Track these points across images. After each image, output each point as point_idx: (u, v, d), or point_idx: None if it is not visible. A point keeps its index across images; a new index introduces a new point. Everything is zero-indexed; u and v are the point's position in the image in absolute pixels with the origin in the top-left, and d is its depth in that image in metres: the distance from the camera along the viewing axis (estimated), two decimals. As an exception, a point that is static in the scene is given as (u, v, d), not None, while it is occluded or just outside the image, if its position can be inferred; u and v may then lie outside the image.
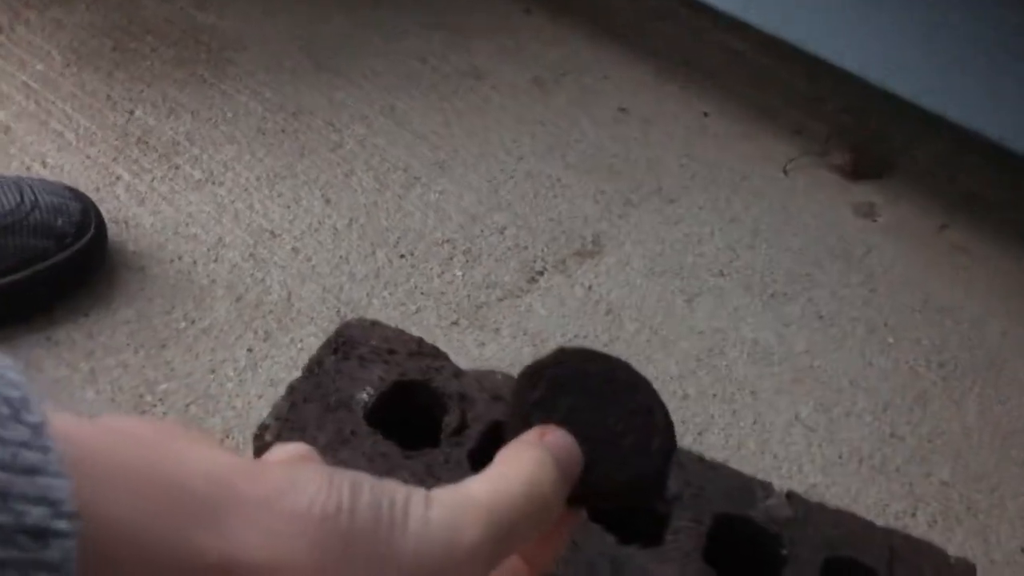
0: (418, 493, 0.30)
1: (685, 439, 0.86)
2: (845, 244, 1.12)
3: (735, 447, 0.87)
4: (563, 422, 0.36)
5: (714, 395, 0.91)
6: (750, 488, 0.66)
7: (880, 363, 0.98)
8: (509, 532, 0.31)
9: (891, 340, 1.01)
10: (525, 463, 0.33)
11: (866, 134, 1.25)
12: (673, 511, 0.64)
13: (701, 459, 0.67)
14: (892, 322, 1.03)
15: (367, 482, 0.29)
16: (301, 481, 0.28)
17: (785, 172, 1.21)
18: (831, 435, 0.90)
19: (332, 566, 0.28)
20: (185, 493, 0.27)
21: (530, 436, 0.36)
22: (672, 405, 0.90)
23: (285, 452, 0.34)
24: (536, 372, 0.38)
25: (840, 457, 0.88)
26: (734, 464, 0.68)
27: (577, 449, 0.36)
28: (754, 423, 0.89)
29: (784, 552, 0.63)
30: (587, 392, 0.38)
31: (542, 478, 0.33)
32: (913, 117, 1.19)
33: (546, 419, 0.37)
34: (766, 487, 0.67)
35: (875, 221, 1.16)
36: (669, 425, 0.38)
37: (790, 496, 0.66)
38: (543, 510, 0.33)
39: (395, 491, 0.30)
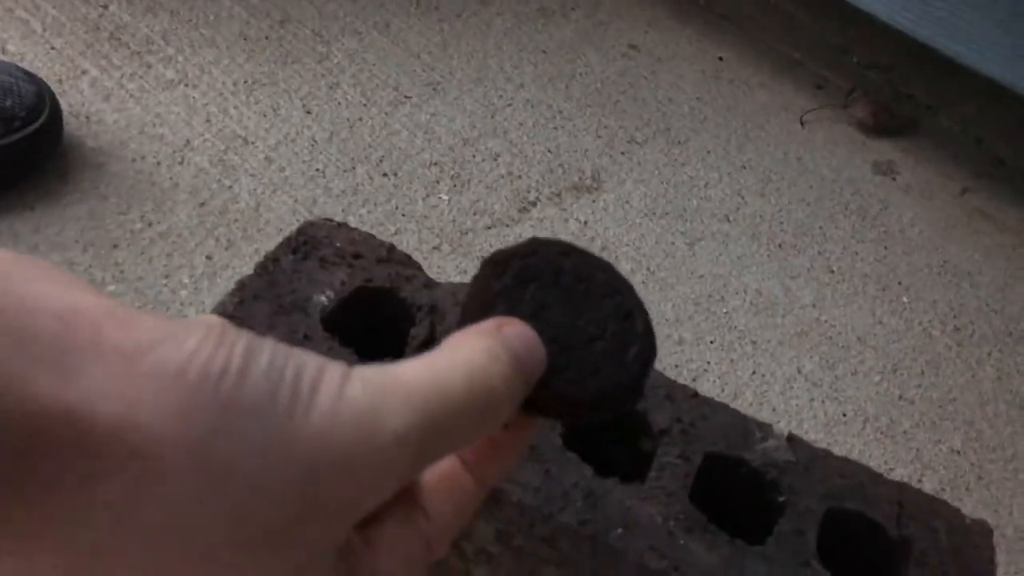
0: (334, 366, 0.24)
1: (677, 384, 0.79)
2: (861, 200, 1.05)
3: (730, 396, 0.80)
4: (529, 317, 0.31)
5: (711, 342, 0.84)
6: (746, 428, 0.59)
7: (892, 322, 0.91)
8: (443, 426, 0.25)
9: (905, 300, 0.93)
10: (473, 351, 0.27)
11: (891, 89, 1.17)
12: (659, 447, 0.57)
13: (695, 395, 0.60)
14: (907, 281, 0.96)
15: (269, 345, 0.23)
16: (182, 332, 0.22)
17: (802, 123, 1.13)
18: (835, 392, 0.83)
19: (204, 438, 0.21)
20: (26, 331, 0.20)
21: (486, 325, 0.29)
22: (666, 350, 0.83)
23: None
24: (504, 260, 0.32)
25: (844, 416, 0.81)
26: (731, 402, 0.61)
27: (540, 347, 0.30)
28: (753, 373, 0.82)
29: (781, 499, 0.56)
30: (560, 288, 0.32)
31: (491, 371, 0.27)
32: (941, 74, 1.11)
33: (509, 312, 0.31)
34: (764, 428, 0.60)
35: (894, 179, 1.09)
36: (649, 333, 0.33)
37: (791, 439, 0.59)
38: (489, 407, 0.27)
39: (305, 360, 0.24)
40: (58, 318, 0.21)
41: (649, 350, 0.33)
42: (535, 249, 0.33)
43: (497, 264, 0.32)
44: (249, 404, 0.22)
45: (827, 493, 0.56)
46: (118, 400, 0.20)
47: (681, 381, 0.78)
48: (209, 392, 0.21)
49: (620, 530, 0.52)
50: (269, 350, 0.23)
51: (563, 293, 0.32)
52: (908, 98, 1.17)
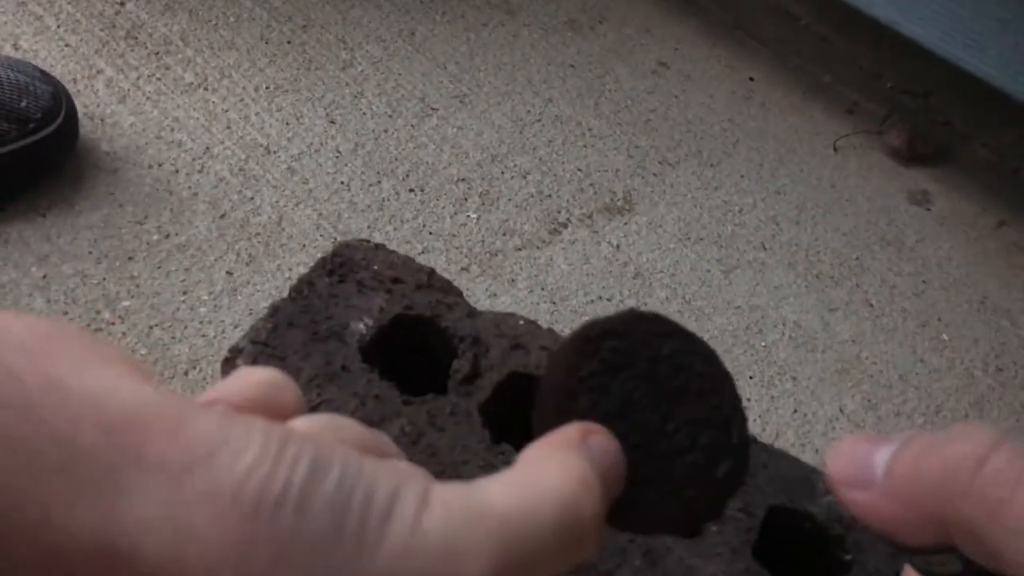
0: (411, 488, 0.20)
1: (718, 421, 0.75)
2: (897, 230, 1.01)
3: (772, 436, 0.76)
4: (612, 415, 0.27)
5: (751, 377, 0.80)
6: (810, 479, 0.56)
7: (933, 361, 0.87)
8: (530, 563, 0.22)
9: (945, 337, 0.90)
10: (565, 474, 0.23)
11: (925, 116, 1.14)
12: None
13: (754, 440, 0.57)
14: (946, 318, 0.92)
15: (338, 461, 0.20)
16: (237, 441, 0.19)
17: (835, 149, 1.10)
18: (878, 433, 0.79)
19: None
20: (68, 446, 0.18)
21: (572, 435, 0.25)
22: (703, 383, 0.79)
23: (249, 380, 0.24)
24: (595, 337, 0.28)
25: (888, 459, 0.77)
26: (789, 450, 0.57)
27: (622, 462, 0.26)
28: (794, 412, 0.79)
29: (847, 558, 0.52)
30: (654, 380, 0.28)
31: (582, 500, 0.23)
32: (978, 101, 1.08)
33: (592, 406, 0.27)
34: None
35: (928, 210, 1.06)
36: (744, 446, 0.28)
37: (857, 493, 0.55)
38: (575, 542, 0.23)
39: (376, 481, 0.20)
40: (101, 428, 0.18)
41: (742, 467, 0.28)
42: (633, 327, 0.28)
43: (588, 341, 0.28)
44: (311, 537, 0.18)
45: (894, 552, 0.53)
46: (164, 529, 0.18)
47: (722, 419, 0.75)
48: (266, 522, 0.18)
49: (680, 589, 0.49)
50: (337, 469, 0.19)
51: (657, 387, 0.28)
52: (943, 125, 1.14)
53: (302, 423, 0.23)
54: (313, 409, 0.51)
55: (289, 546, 0.18)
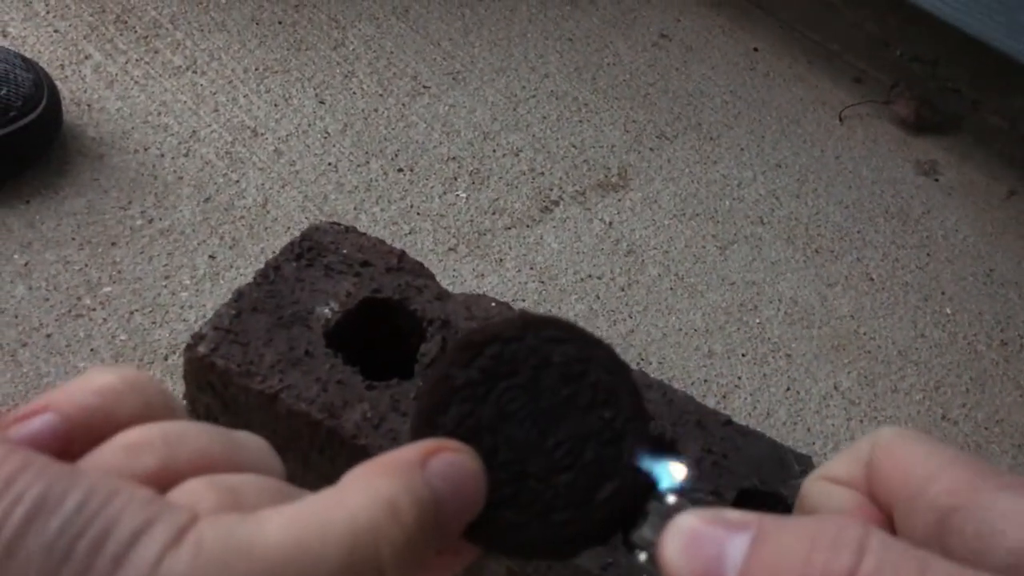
0: (166, 522, 0.18)
1: (707, 402, 0.74)
2: (902, 202, 0.99)
3: (763, 414, 0.75)
4: (484, 428, 0.24)
5: (743, 355, 0.79)
6: (784, 460, 0.54)
7: (934, 335, 0.85)
8: None
9: (948, 311, 0.88)
10: (367, 502, 0.21)
11: (935, 86, 1.11)
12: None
13: (729, 422, 0.56)
14: (950, 291, 0.90)
15: (76, 495, 0.18)
16: None
17: (841, 119, 1.08)
18: (874, 411, 0.78)
19: None
20: None
21: (409, 455, 0.22)
22: (696, 363, 0.78)
23: (86, 387, 0.22)
24: (476, 344, 0.25)
25: (883, 437, 0.76)
26: (766, 431, 0.56)
27: (477, 485, 0.23)
28: (787, 390, 0.77)
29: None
30: (539, 389, 0.25)
31: (383, 531, 0.20)
32: (987, 68, 1.05)
33: (462, 418, 0.25)
34: (803, 460, 0.55)
35: (936, 180, 1.03)
36: (634, 468, 0.25)
37: (832, 475, 0.54)
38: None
39: (120, 516, 0.18)
40: None
41: (630, 489, 0.25)
42: (521, 332, 0.26)
43: (469, 348, 0.25)
44: None
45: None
46: None
47: (711, 397, 0.74)
48: None
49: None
50: (70, 506, 0.18)
51: (541, 396, 0.25)
52: (953, 93, 1.11)
53: (135, 434, 0.21)
54: (274, 395, 0.51)
55: None
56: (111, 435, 0.21)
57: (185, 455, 0.21)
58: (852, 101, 1.10)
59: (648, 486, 0.25)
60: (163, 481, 0.21)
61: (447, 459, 0.22)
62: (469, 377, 0.25)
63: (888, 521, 0.23)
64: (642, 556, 0.24)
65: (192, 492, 0.20)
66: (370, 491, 0.21)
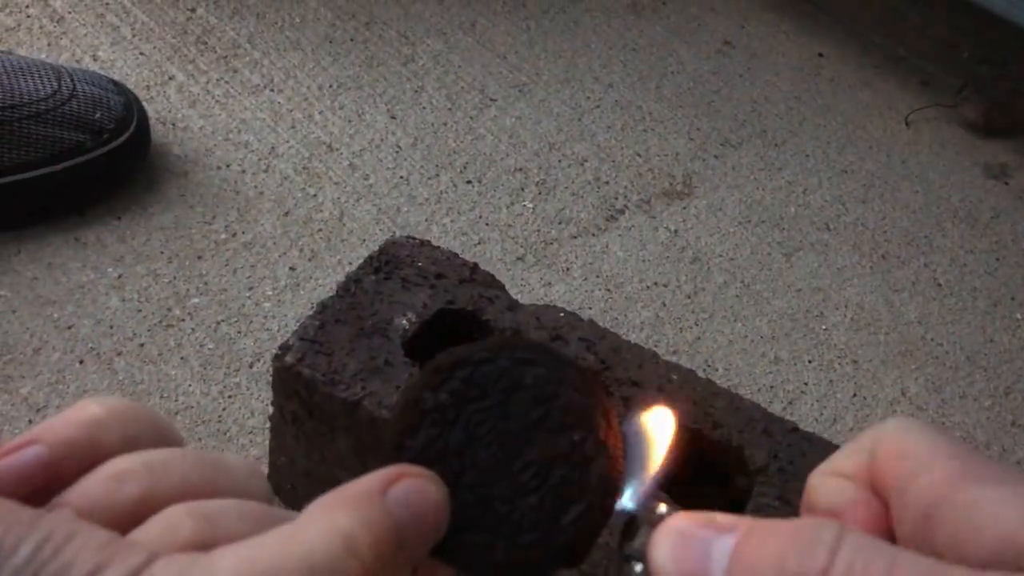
0: (121, 562, 0.19)
1: (773, 408, 0.75)
2: (971, 206, 0.99)
3: (829, 420, 0.76)
4: (452, 452, 0.25)
5: (809, 361, 0.80)
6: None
7: (1004, 341, 0.85)
8: None
9: (1018, 316, 0.88)
10: (324, 536, 0.21)
11: (1004, 87, 1.11)
12: (755, 486, 0.54)
13: (795, 428, 0.57)
14: (1020, 296, 0.90)
15: (34, 539, 0.18)
16: None
17: (907, 124, 1.07)
18: (943, 417, 0.78)
19: None
20: None
21: (372, 483, 0.23)
22: (761, 369, 0.79)
23: (70, 420, 0.23)
24: (447, 367, 0.26)
25: (952, 443, 0.76)
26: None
27: (438, 510, 0.24)
28: (853, 396, 0.78)
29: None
30: (503, 413, 0.26)
31: (339, 564, 0.21)
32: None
33: (429, 443, 0.25)
34: (869, 468, 0.56)
35: (1006, 184, 1.03)
36: (608, 488, 0.25)
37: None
38: None
39: (76, 558, 0.18)
40: None
41: (598, 511, 0.25)
42: (493, 355, 0.26)
43: (439, 371, 0.26)
44: None
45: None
46: None
47: (776, 404, 0.75)
48: None
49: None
50: (25, 551, 0.18)
51: (510, 419, 0.26)
52: (1022, 95, 1.10)
53: (119, 463, 0.22)
54: (357, 403, 0.53)
55: None
56: (98, 464, 0.22)
57: (168, 482, 0.22)
58: (919, 105, 1.09)
59: (615, 508, 0.25)
60: (147, 508, 0.22)
61: (408, 486, 0.23)
62: (438, 400, 0.25)
63: (888, 513, 0.24)
64: (638, 568, 0.24)
65: (169, 519, 0.21)
66: (328, 525, 0.21)
